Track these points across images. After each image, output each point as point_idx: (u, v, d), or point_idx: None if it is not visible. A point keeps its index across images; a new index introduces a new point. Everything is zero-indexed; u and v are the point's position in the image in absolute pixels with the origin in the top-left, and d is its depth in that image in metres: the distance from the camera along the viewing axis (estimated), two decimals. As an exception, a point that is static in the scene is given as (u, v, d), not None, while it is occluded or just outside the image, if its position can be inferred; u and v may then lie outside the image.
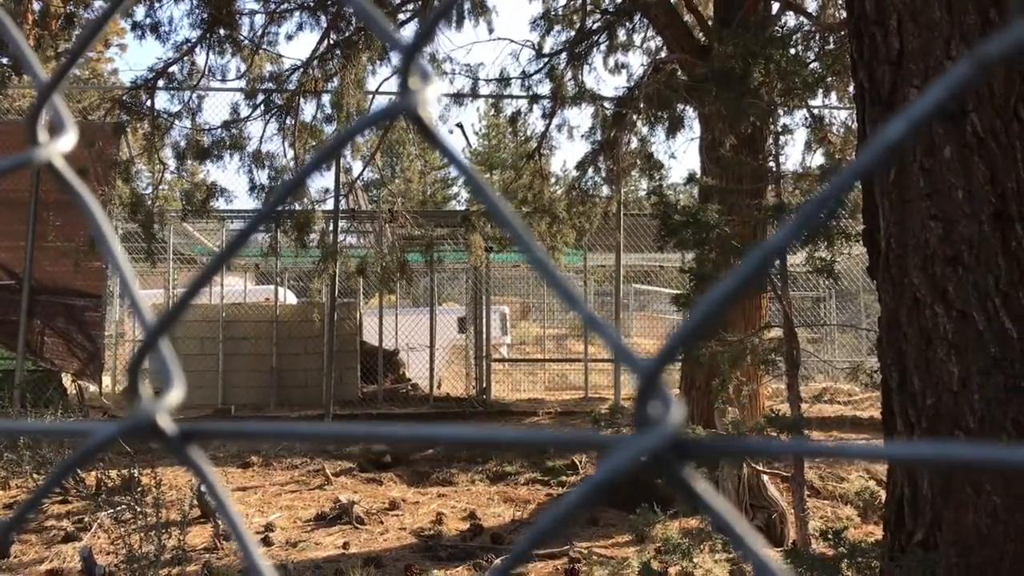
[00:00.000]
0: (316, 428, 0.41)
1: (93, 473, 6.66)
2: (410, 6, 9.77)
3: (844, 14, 7.92)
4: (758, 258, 0.31)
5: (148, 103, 9.27)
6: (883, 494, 3.73)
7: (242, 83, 9.72)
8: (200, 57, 9.36)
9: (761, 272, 0.30)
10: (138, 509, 5.56)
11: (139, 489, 5.90)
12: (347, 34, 9.31)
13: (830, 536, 3.24)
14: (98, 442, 0.40)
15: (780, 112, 4.85)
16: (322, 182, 10.50)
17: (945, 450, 0.29)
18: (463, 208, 10.26)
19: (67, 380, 10.71)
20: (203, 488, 4.79)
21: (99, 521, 5.87)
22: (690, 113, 9.07)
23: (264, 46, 9.68)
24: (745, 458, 5.07)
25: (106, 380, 12.07)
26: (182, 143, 9.61)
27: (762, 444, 0.31)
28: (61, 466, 0.41)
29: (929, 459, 0.29)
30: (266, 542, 5.74)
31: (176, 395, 0.40)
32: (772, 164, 4.87)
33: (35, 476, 6.72)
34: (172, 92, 9.51)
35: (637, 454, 0.30)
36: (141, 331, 0.40)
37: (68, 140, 0.48)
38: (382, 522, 6.27)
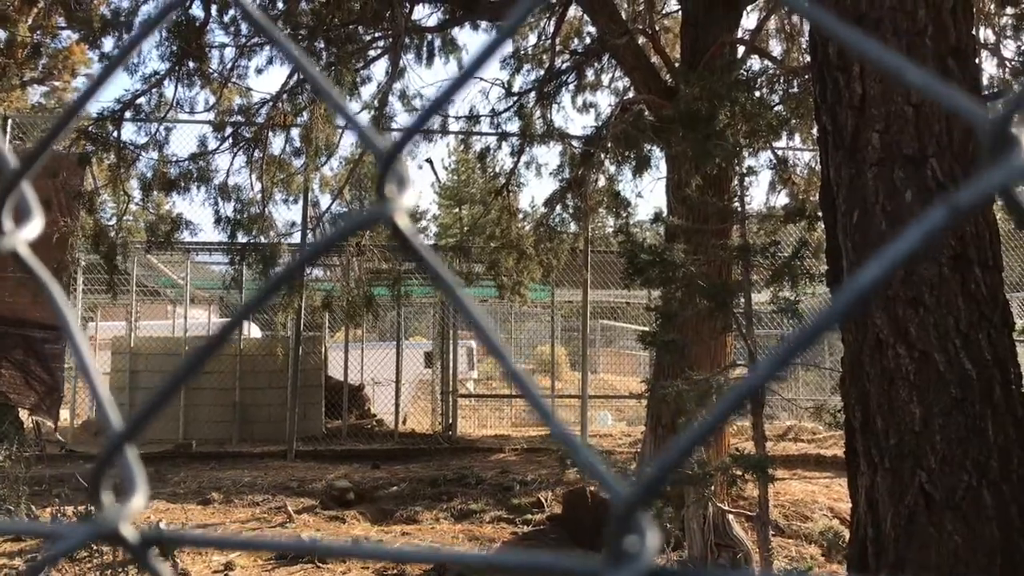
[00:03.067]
0: (282, 542, 0.41)
1: (48, 510, 6.50)
2: (380, 44, 9.83)
3: (808, 58, 8.10)
4: (735, 395, 0.32)
5: (115, 134, 9.20)
6: (847, 533, 3.74)
7: (211, 115, 9.69)
8: (168, 89, 9.33)
9: (737, 407, 0.31)
10: (93, 547, 5.43)
11: (95, 526, 5.77)
12: (317, 69, 9.32)
13: (795, 575, 3.24)
14: (65, 549, 0.40)
15: (745, 153, 4.93)
16: (289, 215, 10.46)
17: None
18: (431, 242, 10.26)
19: (24, 414, 10.49)
20: (162, 526, 4.71)
21: (53, 559, 5.72)
22: (657, 153, 9.18)
23: (233, 79, 9.67)
24: (731, 487, 5.07)
25: (64, 414, 11.83)
26: (148, 174, 9.53)
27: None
28: (37, 565, 0.42)
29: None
30: (225, 581, 5.63)
31: (139, 502, 0.40)
32: (737, 204, 4.93)
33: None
34: (139, 124, 9.46)
35: None
36: (106, 437, 0.40)
37: (34, 228, 0.47)
38: (344, 561, 6.18)
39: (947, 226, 0.30)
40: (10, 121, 11.14)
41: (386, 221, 0.38)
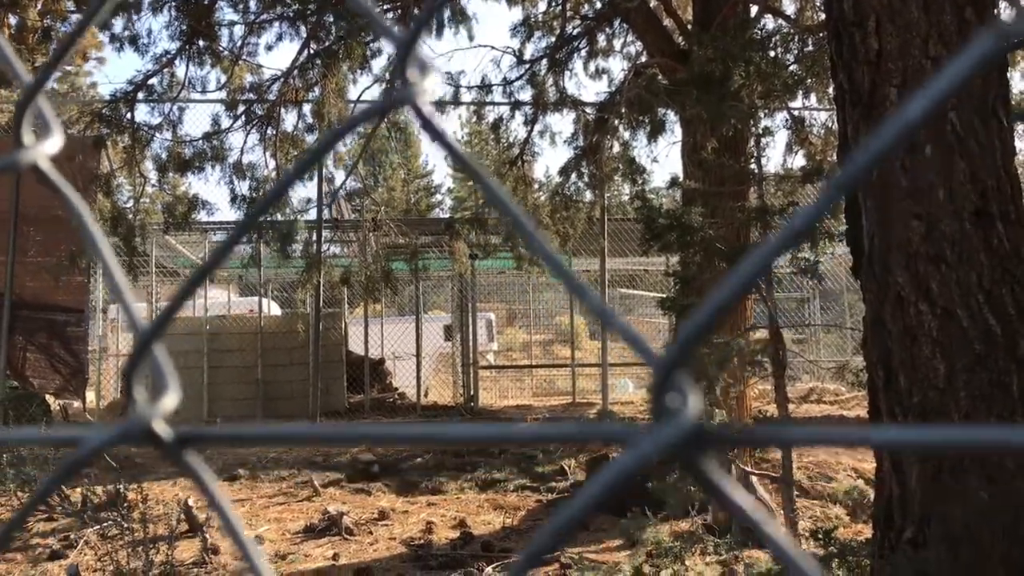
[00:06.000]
0: (312, 429, 0.40)
1: (78, 489, 6.59)
2: (389, 16, 9.76)
3: (822, 16, 7.98)
4: (774, 244, 0.31)
5: (128, 116, 9.22)
6: (872, 493, 3.74)
7: (222, 94, 9.68)
8: (180, 69, 9.33)
9: (767, 265, 0.30)
10: (125, 525, 5.51)
11: (126, 505, 5.85)
12: (327, 44, 9.30)
13: (820, 536, 3.24)
14: (92, 449, 0.39)
15: (761, 114, 4.88)
16: (305, 192, 10.48)
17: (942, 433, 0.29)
18: (447, 216, 10.25)
19: (50, 396, 10.62)
20: (190, 503, 4.73)
21: (85, 538, 5.82)
22: (671, 117, 9.11)
23: (244, 57, 9.65)
24: (755, 450, 5.08)
25: (90, 395, 11.97)
26: (163, 155, 9.56)
27: (777, 432, 0.31)
28: (53, 474, 0.40)
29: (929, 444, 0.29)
30: (255, 555, 5.70)
31: (171, 400, 0.39)
32: (754, 166, 4.89)
33: (19, 494, 6.65)
34: (152, 104, 9.47)
35: (658, 446, 0.30)
36: (134, 337, 0.39)
37: (54, 142, 0.47)
38: (371, 532, 6.24)
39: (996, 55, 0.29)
40: (24, 106, 11.14)
41: (410, 103, 0.37)
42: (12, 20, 17.65)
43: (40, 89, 0.48)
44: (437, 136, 0.38)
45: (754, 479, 5.62)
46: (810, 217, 0.32)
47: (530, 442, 0.34)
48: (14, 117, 0.47)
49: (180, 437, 0.38)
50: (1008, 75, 3.41)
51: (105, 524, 5.87)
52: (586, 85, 77.85)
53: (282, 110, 9.61)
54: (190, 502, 6.29)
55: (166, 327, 0.42)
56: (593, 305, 0.35)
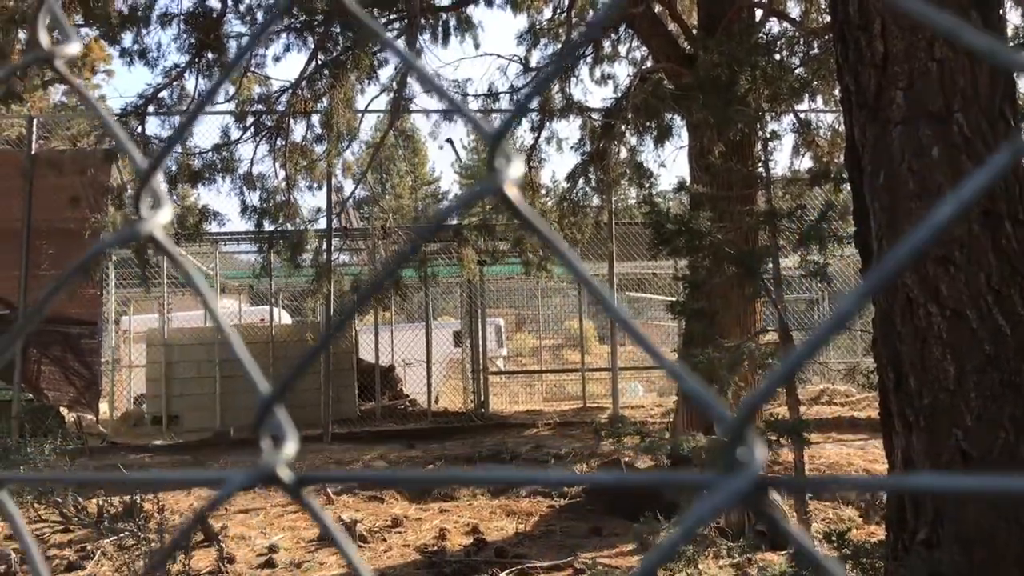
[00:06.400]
0: (427, 474, 0.47)
1: (94, 500, 6.64)
2: (396, 25, 9.82)
3: (827, 19, 8.00)
4: (830, 324, 0.35)
5: (139, 129, 9.28)
6: (884, 495, 3.75)
7: (232, 106, 9.75)
8: (189, 82, 9.39)
9: (832, 333, 0.35)
10: (141, 535, 5.55)
11: (142, 515, 5.89)
12: (335, 54, 9.35)
13: (834, 538, 3.25)
14: (232, 489, 0.46)
15: (767, 118, 4.90)
16: (314, 201, 10.53)
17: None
18: (455, 222, 10.29)
19: (64, 408, 10.68)
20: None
21: (102, 549, 5.86)
22: (678, 122, 9.12)
23: (252, 68, 9.71)
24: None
25: (103, 407, 12.03)
26: (173, 167, 9.62)
27: (834, 479, 0.36)
28: (196, 514, 0.48)
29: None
30: (270, 564, 5.72)
31: (291, 447, 0.47)
32: (761, 170, 4.90)
33: (36, 506, 6.70)
34: (162, 117, 9.54)
35: (731, 495, 0.35)
36: (258, 400, 0.47)
37: (165, 214, 0.53)
38: (385, 539, 6.27)
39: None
40: (35, 121, 11.26)
41: (496, 193, 0.42)
42: (21, 35, 17.76)
43: (158, 168, 0.54)
44: (526, 223, 0.42)
45: (766, 482, 5.63)
46: (840, 321, 0.36)
47: (614, 487, 0.39)
48: (134, 194, 0.53)
49: (299, 479, 0.46)
50: (1015, 76, 3.42)
51: (122, 535, 5.90)
52: (592, 91, 77.63)
53: (291, 121, 9.67)
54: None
55: (288, 391, 0.50)
56: (663, 361, 0.40)
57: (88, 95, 0.53)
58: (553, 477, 0.43)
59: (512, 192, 0.42)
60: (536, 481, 0.42)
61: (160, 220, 0.53)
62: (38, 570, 0.46)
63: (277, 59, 14.10)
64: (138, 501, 5.97)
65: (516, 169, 0.43)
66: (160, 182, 0.55)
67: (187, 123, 0.58)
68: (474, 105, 10.79)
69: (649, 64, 9.70)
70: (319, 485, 7.66)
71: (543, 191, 11.61)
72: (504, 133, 0.43)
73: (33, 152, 10.75)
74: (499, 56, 10.75)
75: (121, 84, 49.53)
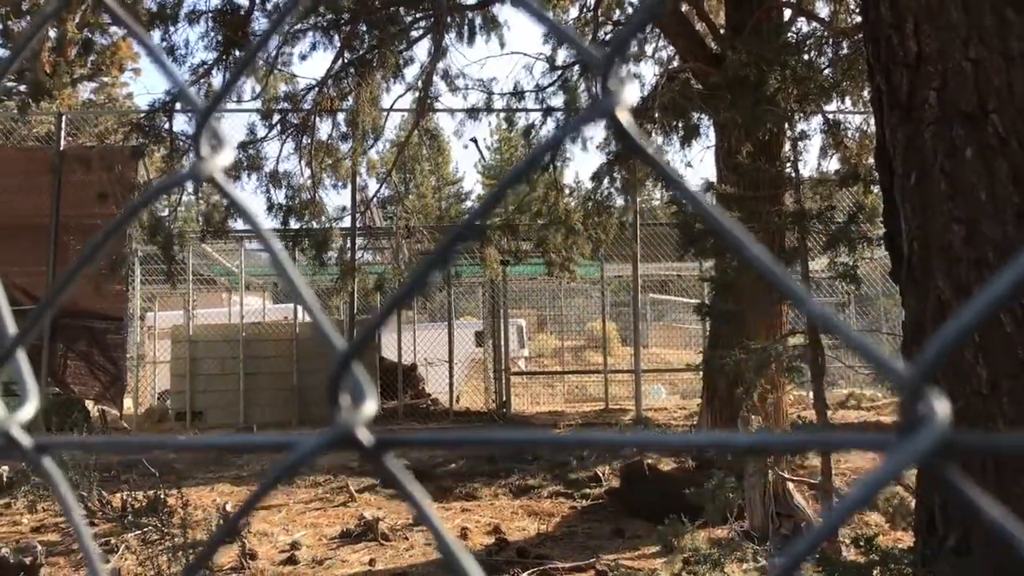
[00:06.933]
0: (504, 433, 0.43)
1: (119, 495, 6.69)
2: (422, 24, 9.83)
3: (857, 19, 7.92)
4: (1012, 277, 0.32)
5: (166, 126, 9.35)
6: (912, 500, 3.70)
7: (258, 104, 9.80)
8: (216, 79, 9.44)
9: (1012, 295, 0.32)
10: (165, 530, 5.58)
11: (165, 510, 5.92)
12: (361, 52, 9.37)
13: (862, 543, 3.21)
14: (307, 452, 0.42)
15: (796, 118, 4.85)
16: (339, 200, 10.57)
17: None
18: (476, 223, 10.26)
19: (90, 403, 10.78)
20: (229, 508, 4.78)
21: (126, 543, 5.90)
22: (705, 121, 9.07)
23: (279, 67, 9.76)
24: (770, 470, 5.04)
25: (127, 402, 12.13)
26: (199, 165, 9.66)
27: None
28: (271, 474, 0.43)
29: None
30: (292, 560, 5.74)
31: (370, 408, 0.42)
32: (790, 170, 4.86)
33: (62, 499, 6.75)
34: (189, 115, 9.60)
35: (914, 454, 0.31)
36: (333, 354, 0.43)
37: (227, 156, 0.50)
38: (407, 538, 6.27)
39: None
40: (64, 118, 11.38)
41: (608, 115, 0.39)
42: (52, 33, 17.96)
43: (216, 108, 0.51)
44: (634, 147, 0.40)
45: (791, 486, 5.58)
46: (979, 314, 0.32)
47: (758, 450, 0.36)
48: (194, 133, 0.51)
49: (380, 441, 0.41)
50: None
51: (146, 529, 5.94)
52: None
53: (317, 119, 9.71)
54: (228, 507, 6.35)
55: (366, 346, 0.45)
56: (827, 320, 0.36)
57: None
58: (652, 439, 0.40)
59: (624, 117, 0.39)
60: (633, 443, 0.38)
61: (220, 162, 0.51)
62: (80, 531, 0.43)
63: (303, 57, 14.17)
64: (162, 496, 6.00)
65: (629, 93, 0.40)
66: (218, 124, 0.53)
67: (249, 57, 0.55)
68: (499, 104, 10.79)
69: (676, 63, 9.65)
70: (343, 482, 7.68)
71: (567, 191, 11.57)
72: (622, 49, 0.40)
73: (61, 148, 10.86)
74: (525, 55, 10.74)
75: (149, 81, 50.00)
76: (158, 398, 13.62)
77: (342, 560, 5.77)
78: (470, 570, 0.38)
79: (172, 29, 9.49)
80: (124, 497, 6.64)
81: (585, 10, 10.70)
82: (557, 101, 10.31)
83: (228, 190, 0.50)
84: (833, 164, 9.27)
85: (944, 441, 0.31)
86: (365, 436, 0.41)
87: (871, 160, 5.77)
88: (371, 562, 5.68)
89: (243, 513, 0.45)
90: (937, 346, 0.32)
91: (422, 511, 0.40)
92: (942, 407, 0.32)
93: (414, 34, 9.88)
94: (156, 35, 9.54)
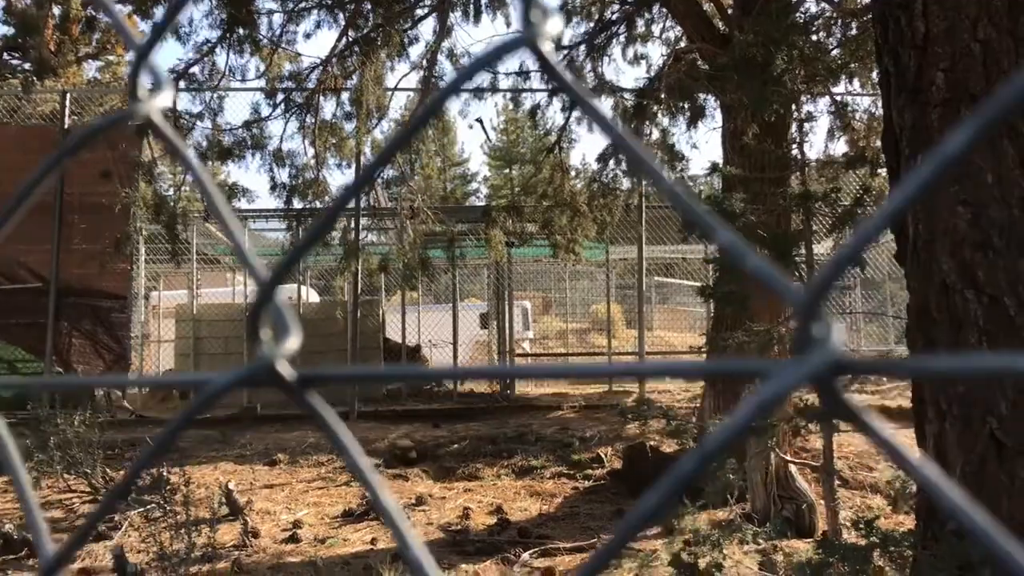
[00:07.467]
0: (437, 370, 0.41)
1: (122, 472, 6.71)
2: (427, 2, 9.76)
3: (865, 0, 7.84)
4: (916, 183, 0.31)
5: (170, 104, 9.32)
6: (913, 483, 3.69)
7: (262, 82, 9.75)
8: (220, 57, 9.41)
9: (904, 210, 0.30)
10: (168, 507, 5.61)
11: (169, 488, 5.95)
12: (365, 31, 9.32)
13: (862, 525, 3.21)
14: (219, 388, 0.40)
15: (804, 99, 4.81)
16: (342, 179, 10.54)
17: None
18: (483, 203, 10.25)
19: (95, 381, 10.80)
20: (231, 486, 4.80)
21: (130, 520, 5.93)
22: (711, 103, 9.01)
23: (283, 45, 9.71)
24: (772, 452, 5.03)
25: (133, 380, 12.16)
26: (204, 143, 9.66)
27: (917, 364, 0.31)
28: (181, 414, 0.41)
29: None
30: (294, 539, 5.77)
31: (294, 342, 0.40)
32: (796, 152, 4.82)
33: (66, 476, 6.79)
34: (193, 93, 9.57)
35: (802, 374, 0.30)
36: (256, 283, 0.41)
37: (166, 97, 0.49)
38: (409, 518, 6.29)
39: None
40: (68, 96, 11.35)
41: (530, 45, 0.37)
42: (56, 11, 17.91)
43: (152, 48, 0.50)
44: (558, 79, 0.38)
45: (793, 468, 5.58)
46: (859, 243, 0.32)
47: (656, 375, 0.35)
48: (130, 73, 0.49)
49: (303, 377, 0.39)
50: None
51: (149, 507, 5.97)
52: (624, 71, 77.13)
53: (321, 98, 9.66)
54: (231, 486, 6.38)
55: (287, 273, 0.43)
56: (735, 248, 0.35)
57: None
58: (618, 367, 0.38)
59: (546, 47, 0.37)
60: (604, 372, 0.37)
61: (159, 103, 0.49)
62: (24, 493, 0.42)
63: (308, 36, 14.13)
64: (165, 474, 6.02)
65: (553, 24, 0.38)
66: (157, 64, 0.51)
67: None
68: (505, 83, 10.73)
69: (683, 44, 9.57)
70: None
71: (573, 172, 11.52)
72: None
73: (66, 127, 10.84)
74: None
75: (155, 61, 49.80)
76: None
77: (344, 539, 5.80)
78: (391, 509, 0.37)
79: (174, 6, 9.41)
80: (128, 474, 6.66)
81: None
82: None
83: (166, 133, 0.48)
84: (840, 146, 9.21)
85: (833, 362, 0.31)
86: (286, 370, 0.40)
87: (878, 143, 5.73)
88: (372, 541, 5.70)
89: (160, 447, 0.43)
90: (831, 265, 0.31)
91: (343, 447, 0.38)
92: (838, 328, 0.31)
93: (419, 12, 9.81)
94: (160, 12, 9.49)
